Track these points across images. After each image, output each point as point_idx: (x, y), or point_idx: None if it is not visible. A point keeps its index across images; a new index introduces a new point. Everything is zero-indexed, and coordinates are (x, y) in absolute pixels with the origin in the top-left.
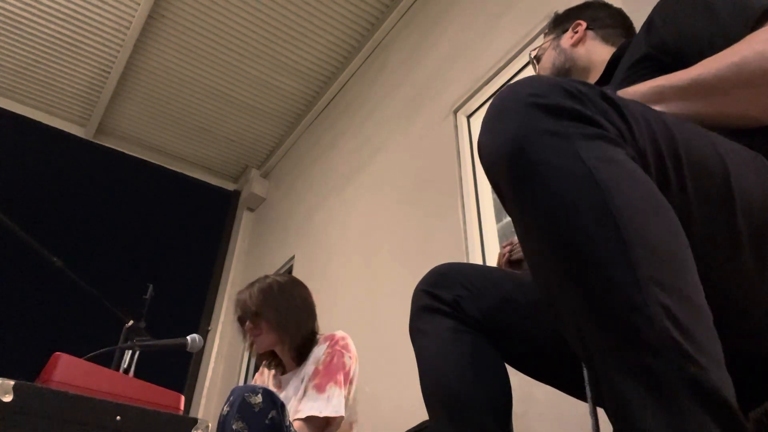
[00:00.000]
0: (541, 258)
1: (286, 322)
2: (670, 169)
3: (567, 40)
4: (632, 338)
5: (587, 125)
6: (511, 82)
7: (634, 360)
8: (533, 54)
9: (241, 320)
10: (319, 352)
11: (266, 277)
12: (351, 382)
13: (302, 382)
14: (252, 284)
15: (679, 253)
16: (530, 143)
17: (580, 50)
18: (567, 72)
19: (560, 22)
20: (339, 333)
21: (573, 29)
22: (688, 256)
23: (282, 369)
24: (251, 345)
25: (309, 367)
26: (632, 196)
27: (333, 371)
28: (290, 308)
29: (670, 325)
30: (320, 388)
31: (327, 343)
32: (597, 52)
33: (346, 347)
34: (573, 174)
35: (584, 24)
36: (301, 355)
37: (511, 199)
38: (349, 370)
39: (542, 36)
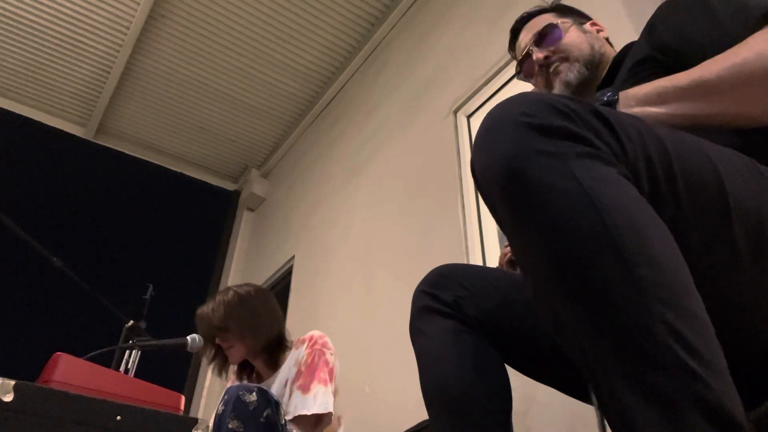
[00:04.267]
0: (540, 278)
1: (251, 331)
2: (663, 184)
3: (595, 32)
4: (637, 357)
5: (579, 144)
6: (503, 98)
7: (639, 379)
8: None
9: (207, 338)
10: (298, 354)
11: (227, 289)
12: (334, 378)
13: (285, 385)
14: (213, 299)
15: (679, 269)
16: (524, 163)
17: (608, 48)
18: (596, 66)
19: (570, 12)
20: (316, 332)
21: (593, 24)
22: (687, 271)
23: (258, 379)
24: (213, 364)
25: (291, 369)
26: (630, 215)
27: (316, 370)
28: (253, 317)
29: (675, 343)
30: (305, 388)
31: (306, 344)
32: (610, 54)
33: (325, 345)
34: (570, 194)
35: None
36: (273, 360)
37: (507, 220)
38: (333, 367)
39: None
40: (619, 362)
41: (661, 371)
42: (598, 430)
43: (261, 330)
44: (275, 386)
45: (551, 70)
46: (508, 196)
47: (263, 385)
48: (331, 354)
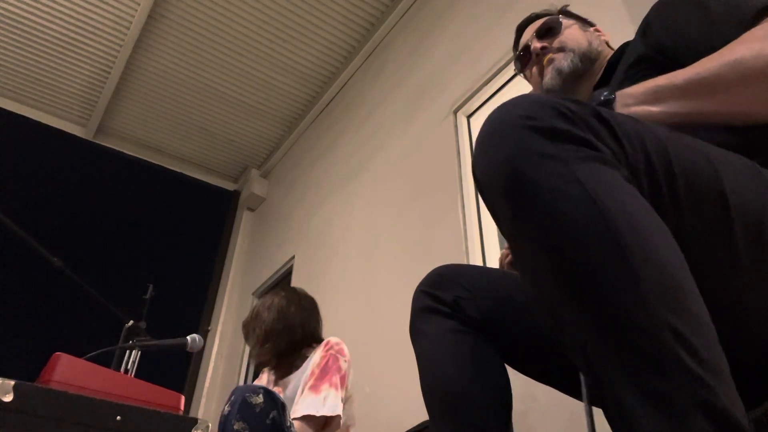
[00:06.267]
0: (542, 282)
1: (284, 340)
2: (664, 186)
3: (596, 33)
4: (642, 362)
5: (581, 147)
6: (503, 99)
7: (644, 383)
8: (555, 17)
9: (247, 330)
10: (315, 356)
11: (284, 294)
12: (346, 385)
13: (300, 385)
14: (275, 296)
15: (683, 273)
16: (527, 166)
17: (606, 48)
18: (592, 60)
19: (576, 17)
20: (333, 339)
21: (596, 30)
22: (690, 275)
23: (282, 373)
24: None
25: (306, 371)
26: (634, 220)
27: (328, 373)
28: (293, 330)
29: (679, 347)
30: (316, 389)
31: (322, 348)
32: (607, 54)
33: (340, 351)
34: (573, 197)
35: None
36: (289, 363)
37: (509, 223)
38: (345, 374)
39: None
40: (623, 366)
41: (666, 376)
42: (587, 428)
43: (292, 341)
44: (291, 387)
45: (546, 58)
46: (511, 200)
47: (283, 383)
48: (345, 361)
